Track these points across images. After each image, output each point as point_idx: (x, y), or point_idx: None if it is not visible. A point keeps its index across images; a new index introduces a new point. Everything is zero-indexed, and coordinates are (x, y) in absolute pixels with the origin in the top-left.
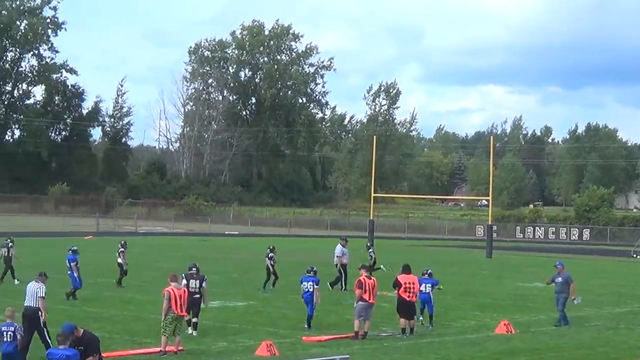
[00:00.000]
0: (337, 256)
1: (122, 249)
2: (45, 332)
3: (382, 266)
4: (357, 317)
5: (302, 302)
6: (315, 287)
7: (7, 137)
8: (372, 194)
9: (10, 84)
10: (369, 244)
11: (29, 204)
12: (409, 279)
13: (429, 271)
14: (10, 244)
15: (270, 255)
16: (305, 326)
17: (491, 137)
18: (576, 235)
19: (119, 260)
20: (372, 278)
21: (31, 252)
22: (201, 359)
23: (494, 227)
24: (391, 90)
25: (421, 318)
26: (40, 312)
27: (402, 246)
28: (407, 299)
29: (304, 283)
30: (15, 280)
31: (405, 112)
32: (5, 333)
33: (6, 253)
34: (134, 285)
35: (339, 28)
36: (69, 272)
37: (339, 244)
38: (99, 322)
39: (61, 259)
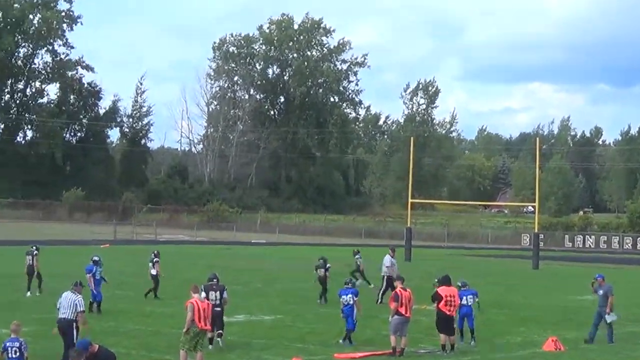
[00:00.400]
0: (387, 266)
1: (156, 259)
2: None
3: (358, 281)
4: (394, 333)
5: (336, 316)
6: (355, 299)
7: (19, 139)
8: (410, 200)
9: (23, 81)
10: (356, 250)
11: (42, 211)
12: (450, 291)
13: (465, 282)
14: (35, 252)
15: (327, 266)
16: (341, 341)
17: (537, 139)
18: (629, 244)
19: (152, 271)
20: (408, 290)
21: (45, 262)
22: None
23: (541, 236)
24: (430, 89)
25: (462, 343)
26: (74, 324)
27: (441, 255)
28: (448, 313)
29: (342, 296)
30: (28, 292)
31: (444, 112)
32: (10, 349)
33: (30, 261)
34: (153, 298)
35: (373, 22)
36: (88, 283)
37: (388, 255)
38: (116, 337)
39: (75, 269)
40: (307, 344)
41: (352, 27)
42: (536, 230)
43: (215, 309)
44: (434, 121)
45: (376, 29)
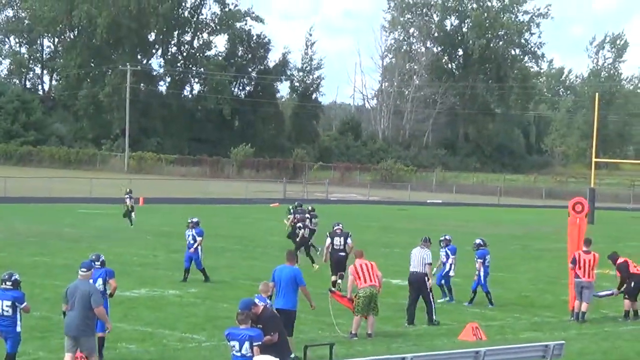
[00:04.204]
0: None
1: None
2: (431, 296)
3: None
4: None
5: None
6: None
7: (186, 93)
8: (593, 159)
9: (190, 33)
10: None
11: (209, 168)
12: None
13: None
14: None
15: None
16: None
17: None
18: None
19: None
20: (592, 253)
21: (207, 222)
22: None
23: None
24: (617, 42)
25: None
26: (427, 277)
27: (625, 218)
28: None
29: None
30: None
31: (633, 67)
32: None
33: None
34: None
35: None
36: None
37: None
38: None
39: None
40: (485, 309)
41: None
42: None
43: (340, 254)
44: (622, 76)
45: None
